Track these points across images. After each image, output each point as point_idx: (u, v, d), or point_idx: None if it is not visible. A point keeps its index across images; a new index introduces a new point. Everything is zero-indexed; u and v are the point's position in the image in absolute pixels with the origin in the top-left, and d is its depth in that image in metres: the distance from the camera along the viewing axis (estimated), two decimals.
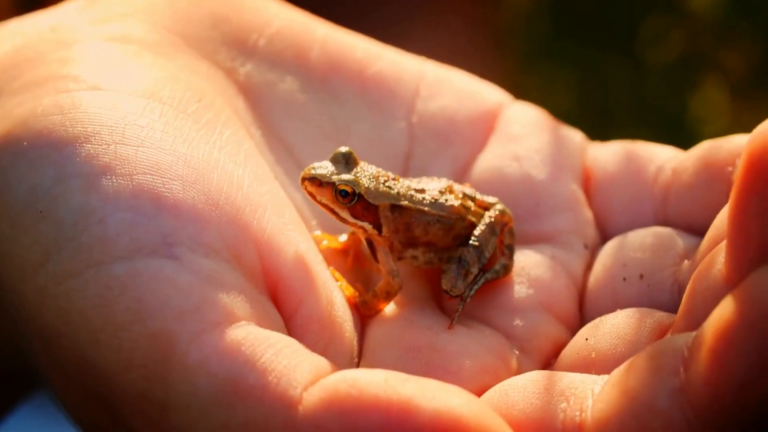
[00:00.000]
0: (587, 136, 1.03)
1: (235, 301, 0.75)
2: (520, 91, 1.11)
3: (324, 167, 0.88)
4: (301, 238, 0.84)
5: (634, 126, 2.40)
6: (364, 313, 0.87)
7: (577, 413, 0.73)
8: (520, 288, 0.90)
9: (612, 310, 0.86)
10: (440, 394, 0.69)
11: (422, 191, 0.90)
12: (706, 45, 2.52)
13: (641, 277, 0.88)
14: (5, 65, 0.86)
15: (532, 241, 0.93)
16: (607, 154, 0.98)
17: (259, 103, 0.94)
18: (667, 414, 0.68)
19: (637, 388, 0.70)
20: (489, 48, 1.82)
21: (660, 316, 0.83)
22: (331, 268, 0.88)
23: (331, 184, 0.87)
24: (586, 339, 0.83)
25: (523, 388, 0.77)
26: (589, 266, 0.92)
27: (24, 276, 0.78)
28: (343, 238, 0.92)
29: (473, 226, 0.91)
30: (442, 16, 1.71)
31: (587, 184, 0.97)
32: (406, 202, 0.89)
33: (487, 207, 0.92)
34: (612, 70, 2.49)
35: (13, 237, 0.78)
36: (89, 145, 0.79)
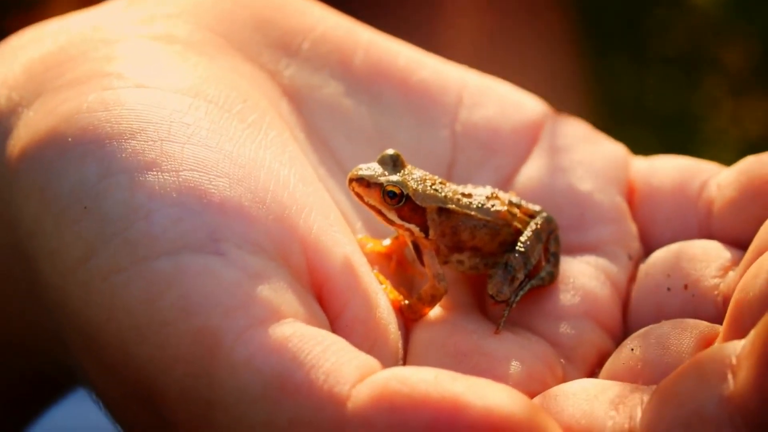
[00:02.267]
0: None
1: (281, 299, 0.74)
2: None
3: (371, 168, 0.88)
4: (347, 240, 0.83)
5: (633, 122, 2.40)
6: (408, 317, 0.86)
7: (627, 422, 0.73)
8: (565, 296, 0.89)
9: (656, 319, 0.86)
10: (491, 392, 0.68)
11: (469, 196, 0.90)
12: (706, 42, 2.53)
13: (686, 287, 0.88)
14: (49, 63, 0.86)
15: (577, 250, 0.93)
16: (651, 168, 0.98)
17: (302, 106, 0.94)
18: (716, 421, 0.67)
19: (686, 397, 0.69)
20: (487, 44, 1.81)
21: (705, 326, 0.82)
22: (375, 270, 0.87)
23: (379, 185, 0.87)
24: (632, 349, 0.83)
25: (572, 395, 0.77)
26: (632, 277, 0.92)
27: (67, 271, 0.77)
28: (387, 242, 0.92)
29: (519, 232, 0.91)
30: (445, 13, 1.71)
31: (631, 196, 0.96)
32: (453, 206, 0.89)
33: (532, 215, 0.92)
34: (612, 66, 2.50)
35: (57, 232, 0.78)
36: (134, 142, 0.79)
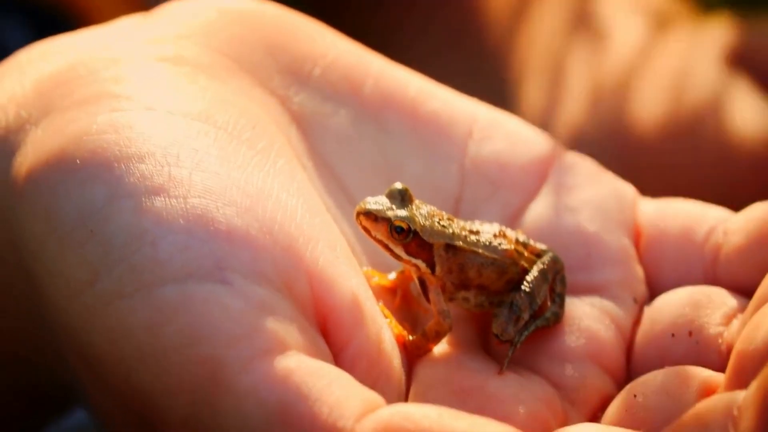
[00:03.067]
0: None
1: (286, 330, 0.74)
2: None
3: (379, 202, 0.87)
4: (353, 273, 0.83)
5: None
6: (412, 352, 0.86)
7: None
8: (569, 337, 0.89)
9: (659, 365, 0.85)
10: (494, 431, 0.68)
11: (477, 233, 0.90)
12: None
13: (690, 334, 0.87)
14: (57, 81, 0.86)
15: (582, 291, 0.93)
16: (658, 211, 0.97)
17: (311, 133, 0.93)
18: None
19: None
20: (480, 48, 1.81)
21: (708, 374, 0.82)
22: (380, 304, 0.87)
23: (387, 220, 0.86)
24: (635, 396, 0.82)
25: None
26: (637, 321, 0.91)
27: (71, 294, 0.77)
28: (392, 276, 0.91)
29: (525, 271, 0.90)
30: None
31: (637, 239, 0.96)
32: (460, 243, 0.88)
33: (538, 254, 0.92)
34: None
35: (62, 255, 0.77)
36: (142, 166, 0.78)
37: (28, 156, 0.81)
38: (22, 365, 0.95)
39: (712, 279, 0.93)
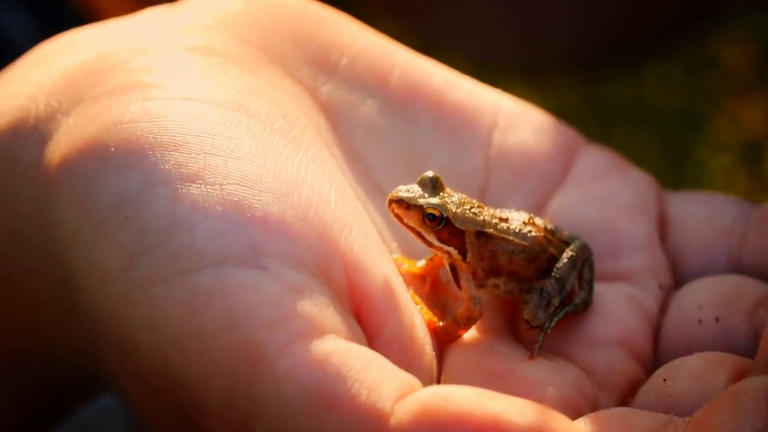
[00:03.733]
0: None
1: (323, 315, 0.74)
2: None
3: (411, 190, 0.88)
4: (385, 260, 0.83)
5: (633, 124, 2.40)
6: (442, 338, 0.87)
7: None
8: (598, 323, 0.90)
9: (687, 351, 0.86)
10: (532, 411, 0.69)
11: (507, 220, 0.90)
12: (705, 41, 2.53)
13: (717, 320, 0.88)
14: (87, 71, 0.86)
15: (609, 279, 0.94)
16: (683, 200, 0.99)
17: (339, 123, 0.94)
18: None
19: (720, 429, 0.70)
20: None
21: (738, 359, 0.83)
22: (411, 291, 0.87)
23: (419, 207, 0.87)
24: (664, 380, 0.83)
25: (606, 422, 0.77)
26: (664, 308, 0.92)
27: (105, 282, 0.77)
28: (421, 263, 0.92)
29: (554, 258, 0.91)
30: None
31: (662, 228, 0.97)
32: (492, 230, 0.89)
33: (566, 242, 0.92)
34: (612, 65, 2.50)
35: (95, 242, 0.77)
36: (177, 154, 0.78)
37: (61, 144, 0.81)
38: (50, 356, 0.95)
39: (736, 267, 0.94)
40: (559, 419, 0.70)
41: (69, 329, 0.88)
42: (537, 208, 0.98)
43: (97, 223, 0.77)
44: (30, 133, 0.85)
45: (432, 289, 0.92)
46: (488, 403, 0.70)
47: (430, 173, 0.89)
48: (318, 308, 0.74)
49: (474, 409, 0.69)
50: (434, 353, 0.85)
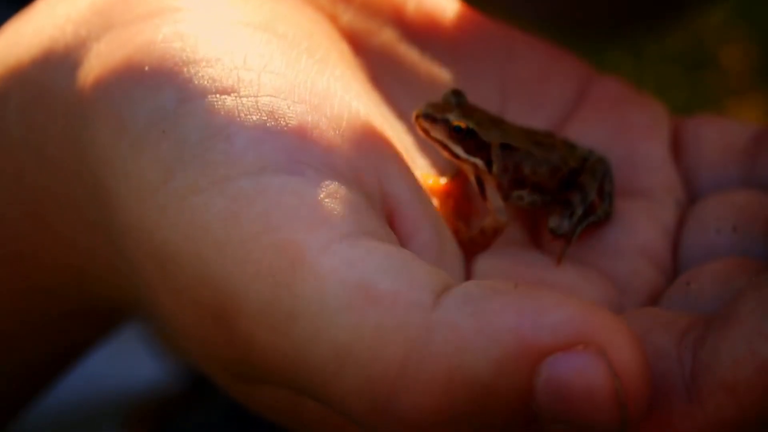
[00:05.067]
0: None
1: (360, 218, 0.76)
2: None
3: (437, 105, 0.90)
4: (413, 171, 0.86)
5: None
6: (469, 249, 0.89)
7: (690, 345, 0.75)
8: (618, 234, 0.92)
9: (706, 260, 0.88)
10: (572, 299, 0.70)
11: (530, 134, 0.93)
12: (706, 42, 2.55)
13: (734, 229, 0.90)
14: (114, 1, 0.87)
15: (626, 195, 0.96)
16: (696, 124, 1.00)
17: (360, 49, 0.96)
18: None
19: (748, 321, 0.72)
20: None
21: (758, 262, 0.85)
22: (436, 203, 0.89)
23: (446, 121, 0.89)
24: (688, 283, 0.85)
25: (637, 320, 0.79)
26: (680, 221, 0.94)
27: (144, 195, 0.78)
28: (445, 180, 0.94)
29: (576, 171, 0.93)
30: None
31: (675, 149, 0.99)
32: (516, 143, 0.91)
33: (585, 157, 0.95)
34: (611, 64, 2.51)
35: (134, 157, 0.79)
36: (211, 69, 0.80)
37: (94, 68, 0.83)
38: (78, 281, 0.96)
39: (749, 186, 0.96)
40: (598, 307, 0.71)
41: (101, 254, 0.89)
42: (554, 130, 0.99)
43: (134, 139, 0.79)
44: (60, 62, 0.86)
45: (456, 204, 0.94)
46: (529, 292, 0.70)
47: (454, 88, 0.91)
48: (356, 211, 0.76)
49: (514, 296, 0.70)
50: (463, 263, 0.87)
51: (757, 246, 0.89)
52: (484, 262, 0.88)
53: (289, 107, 0.79)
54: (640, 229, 0.92)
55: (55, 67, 0.87)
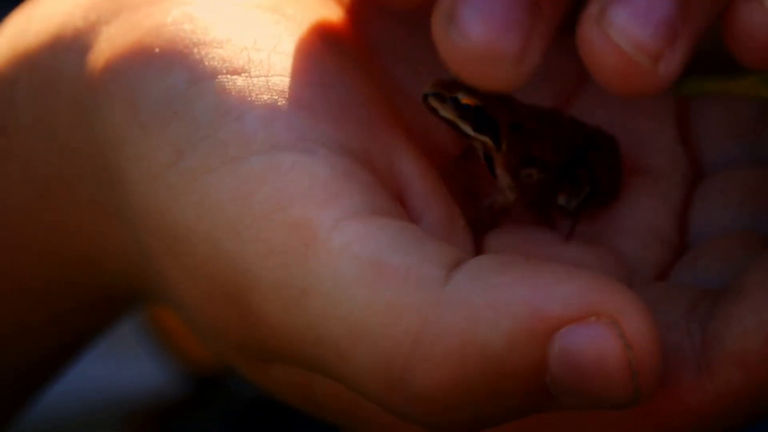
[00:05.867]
0: None
1: (372, 195, 0.77)
2: None
3: (446, 84, 0.90)
4: (421, 152, 0.86)
5: None
6: (478, 227, 0.89)
7: (704, 314, 0.76)
8: (626, 212, 0.92)
9: (713, 236, 0.89)
10: (583, 272, 0.71)
11: (537, 111, 0.93)
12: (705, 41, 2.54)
13: (741, 204, 0.91)
14: None
15: (633, 173, 0.96)
16: (701, 104, 1.00)
17: (364, 30, 0.96)
18: None
19: (757, 289, 0.73)
20: None
21: (765, 238, 0.85)
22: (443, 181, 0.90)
23: (454, 99, 0.90)
24: (696, 259, 0.86)
25: (647, 295, 0.79)
26: (687, 198, 0.95)
27: (155, 175, 0.79)
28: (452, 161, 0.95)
29: (583, 149, 0.94)
30: None
31: (681, 127, 0.99)
32: (524, 121, 0.92)
33: (593, 134, 0.95)
34: None
35: (144, 138, 0.79)
36: (221, 50, 0.81)
37: (104, 51, 0.84)
38: (88, 266, 0.97)
39: (756, 161, 0.95)
40: (611, 279, 0.71)
41: (112, 237, 0.89)
42: (560, 107, 0.99)
43: (145, 120, 0.79)
44: (70, 46, 0.87)
45: (465, 182, 0.94)
46: (540, 266, 0.71)
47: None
48: (367, 189, 0.76)
49: (526, 270, 0.71)
50: (473, 240, 0.87)
51: (763, 221, 0.90)
52: (493, 240, 0.88)
53: (298, 87, 0.80)
54: (647, 207, 0.92)
55: (65, 51, 0.87)
